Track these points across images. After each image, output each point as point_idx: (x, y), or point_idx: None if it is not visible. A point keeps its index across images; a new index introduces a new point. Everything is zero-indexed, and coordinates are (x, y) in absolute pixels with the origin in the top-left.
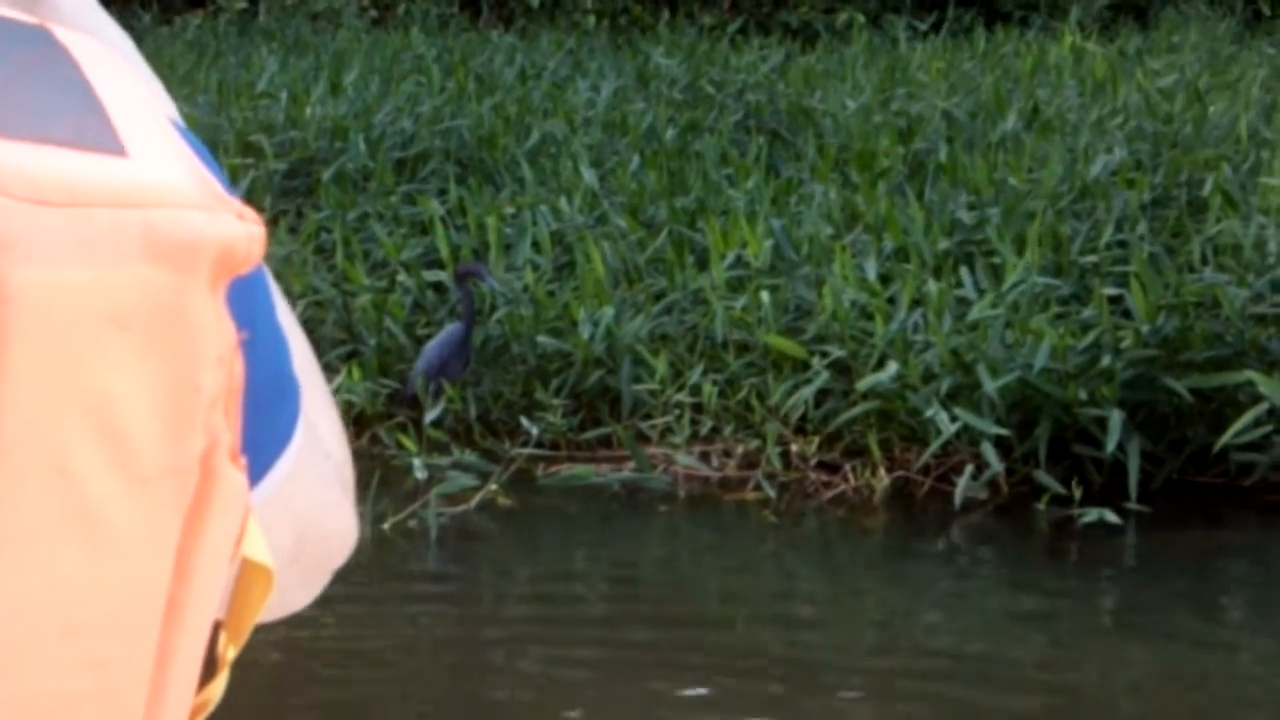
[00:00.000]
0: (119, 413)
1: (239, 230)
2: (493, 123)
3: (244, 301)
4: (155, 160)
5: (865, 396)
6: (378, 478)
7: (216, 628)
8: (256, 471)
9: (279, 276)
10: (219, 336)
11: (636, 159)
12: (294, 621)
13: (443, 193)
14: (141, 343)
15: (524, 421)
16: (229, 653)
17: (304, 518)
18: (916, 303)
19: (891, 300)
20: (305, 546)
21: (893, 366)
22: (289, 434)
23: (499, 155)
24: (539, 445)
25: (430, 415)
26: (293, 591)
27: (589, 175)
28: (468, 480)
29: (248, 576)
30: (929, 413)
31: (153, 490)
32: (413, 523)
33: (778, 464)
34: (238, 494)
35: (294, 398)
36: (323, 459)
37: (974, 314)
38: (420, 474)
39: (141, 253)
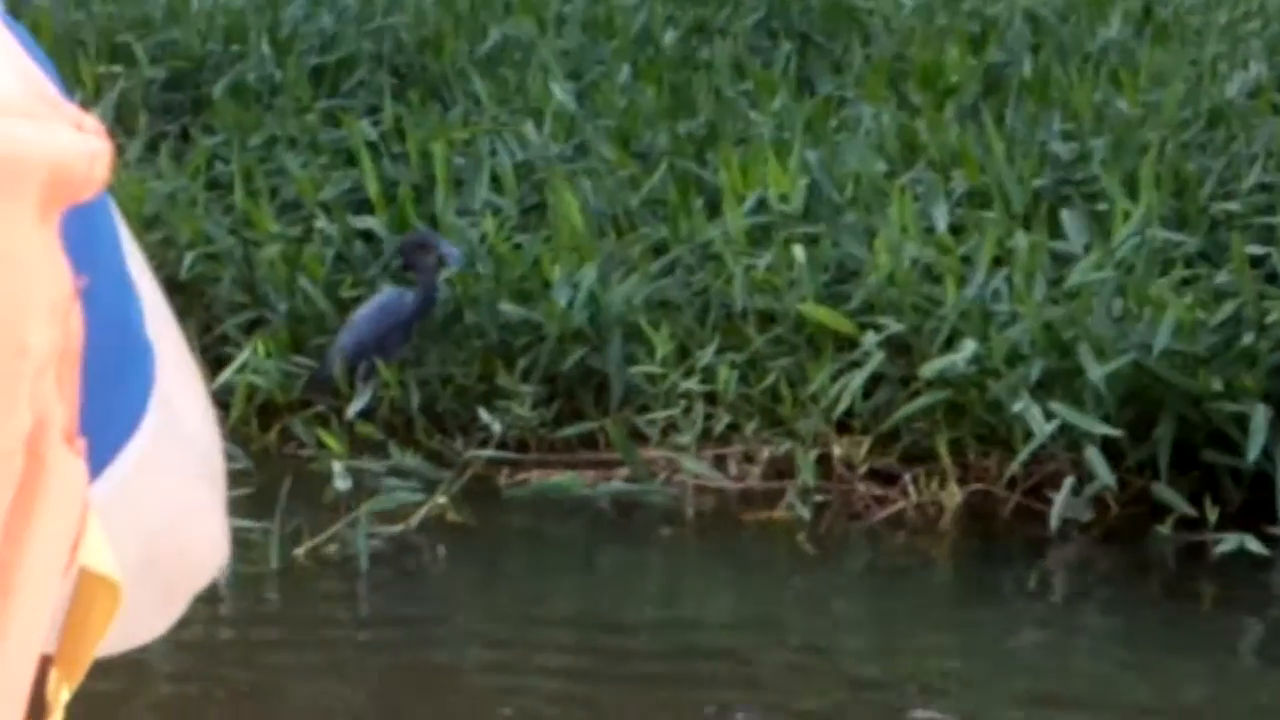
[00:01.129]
0: None
1: (77, 145)
2: (438, 20)
3: (82, 239)
4: None
5: (931, 385)
6: (288, 486)
7: (45, 662)
8: (96, 461)
9: (159, 221)
10: (50, 282)
11: (626, 70)
12: (180, 676)
13: (373, 111)
14: None
15: (482, 414)
16: (62, 693)
17: (158, 520)
18: (998, 261)
19: (965, 259)
20: (160, 558)
21: (968, 346)
22: (138, 412)
23: (446, 63)
24: (502, 445)
25: (356, 404)
26: (144, 616)
27: (563, 92)
28: (408, 493)
29: (87, 593)
30: (1017, 407)
31: None
32: (334, 547)
33: (814, 474)
34: (73, 486)
35: (145, 365)
36: (183, 445)
37: (1075, 278)
38: (343, 483)
39: None
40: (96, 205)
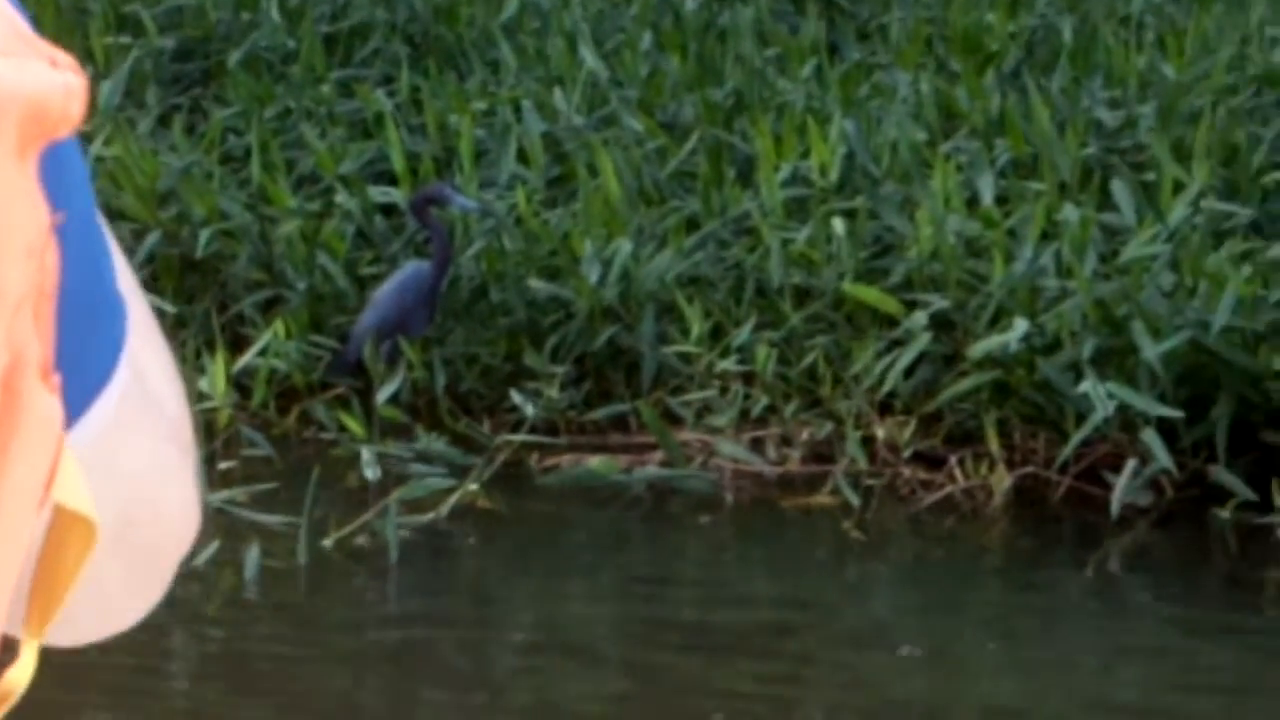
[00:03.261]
0: None
1: (53, 80)
2: None
3: (55, 179)
4: None
5: (978, 365)
6: (316, 475)
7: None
8: (71, 409)
9: (174, 196)
10: (29, 219)
11: (648, 38)
12: (207, 676)
13: (388, 81)
14: None
15: (514, 395)
16: (34, 635)
17: (133, 481)
18: (1044, 235)
19: (1011, 233)
20: (136, 521)
21: (1020, 324)
22: (110, 365)
23: (463, 30)
24: (531, 428)
25: (385, 389)
26: (123, 591)
27: (592, 58)
28: (438, 480)
29: (60, 533)
30: (1083, 387)
31: None
32: (362, 538)
33: (862, 457)
34: (49, 422)
35: (117, 318)
36: (153, 408)
37: (1129, 252)
38: (372, 472)
39: None
40: (67, 145)
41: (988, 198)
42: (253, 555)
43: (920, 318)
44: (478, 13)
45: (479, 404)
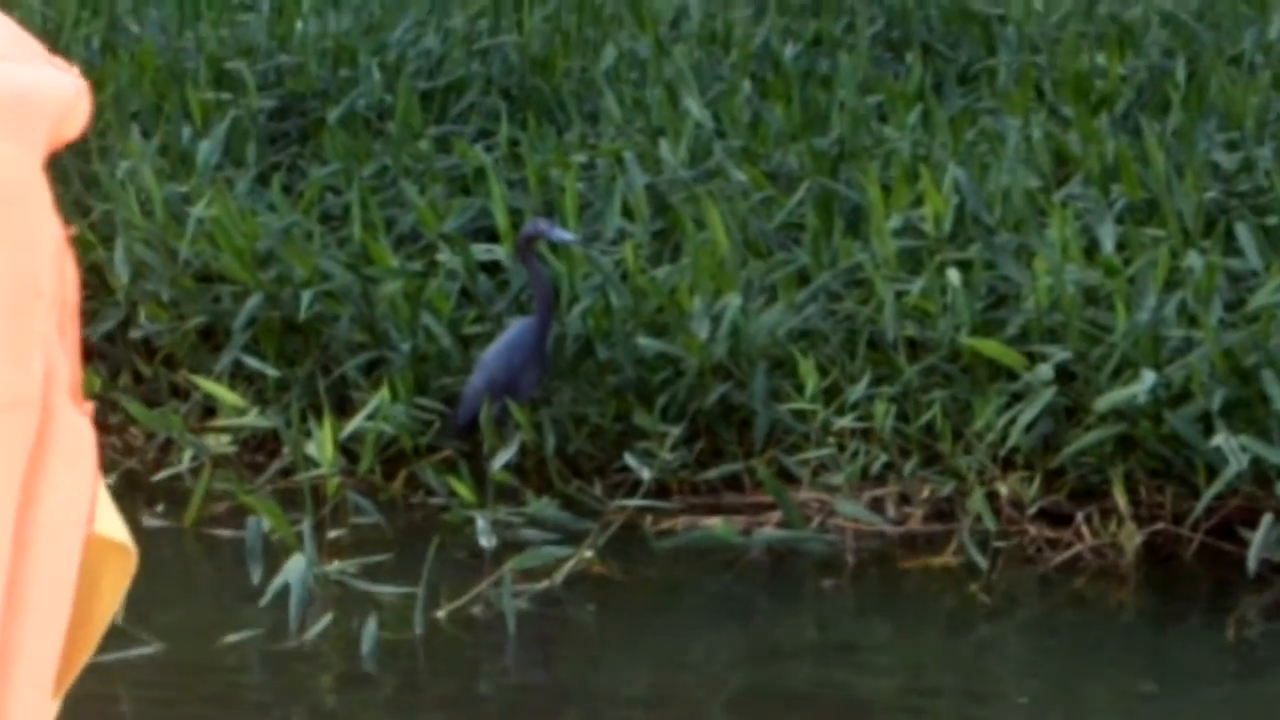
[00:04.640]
0: None
1: (65, 84)
2: (548, 38)
3: None
4: None
5: (1103, 418)
6: (434, 545)
7: None
8: None
9: (275, 256)
10: (52, 227)
11: (747, 85)
12: None
13: (485, 135)
14: None
15: (629, 459)
16: (60, 691)
17: None
18: (1168, 283)
19: (1130, 281)
20: None
21: (1148, 376)
22: None
23: (560, 82)
24: (644, 491)
25: (502, 456)
26: None
27: (697, 108)
28: (553, 549)
29: (94, 563)
30: (1216, 440)
31: None
32: (477, 608)
33: (989, 515)
34: (85, 445)
35: None
36: None
37: (1259, 299)
38: (487, 540)
39: None
40: None
41: (1109, 245)
42: (370, 629)
43: (1046, 371)
44: (574, 64)
45: (588, 465)
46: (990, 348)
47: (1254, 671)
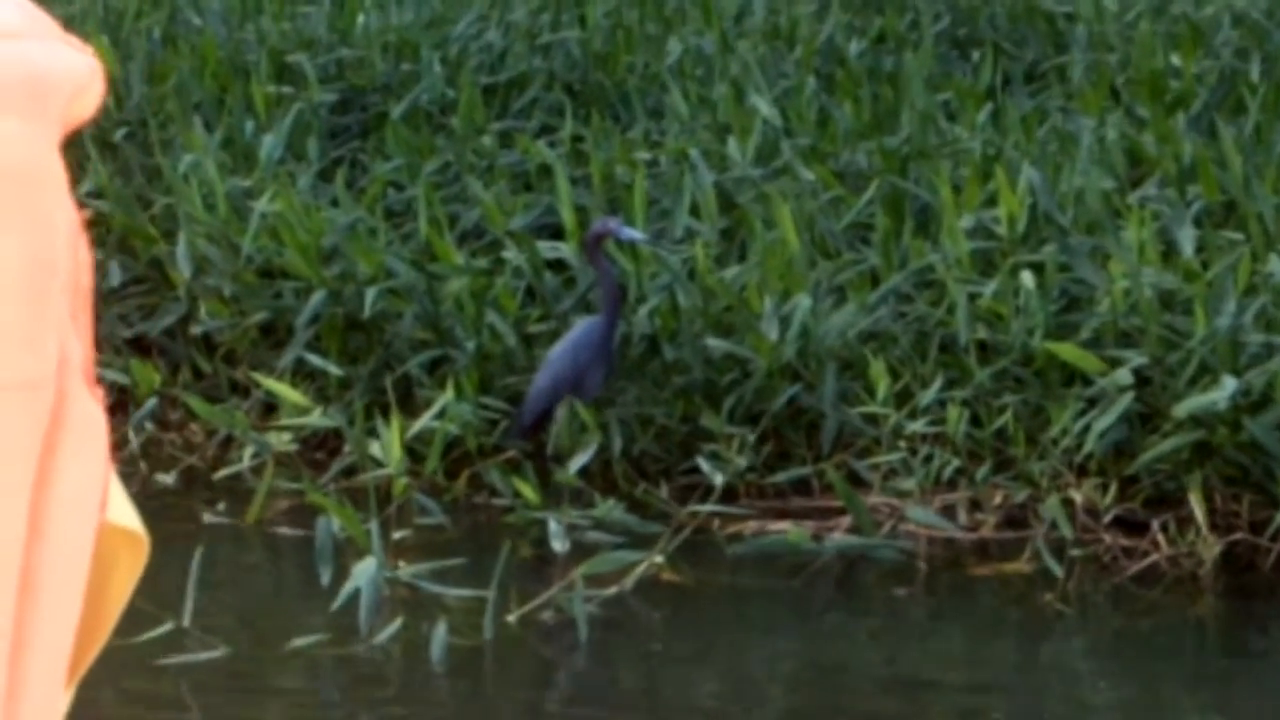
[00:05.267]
0: None
1: (80, 63)
2: (610, 33)
3: None
4: None
5: (1180, 424)
6: (506, 550)
7: None
8: None
9: (338, 252)
10: (67, 208)
11: (812, 83)
12: None
13: (546, 130)
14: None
15: (701, 464)
16: (71, 681)
17: None
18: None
19: (1209, 284)
20: None
21: (1229, 383)
22: None
23: (624, 77)
24: (708, 489)
25: (577, 461)
26: None
27: (766, 106)
28: (624, 555)
29: (106, 552)
30: None
31: (3, 405)
32: (547, 613)
33: (1065, 523)
34: (98, 430)
35: None
36: None
37: None
38: (560, 544)
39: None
40: None
41: (1188, 249)
42: (440, 633)
43: (1124, 375)
44: (638, 60)
45: (654, 467)
46: (1068, 352)
47: None
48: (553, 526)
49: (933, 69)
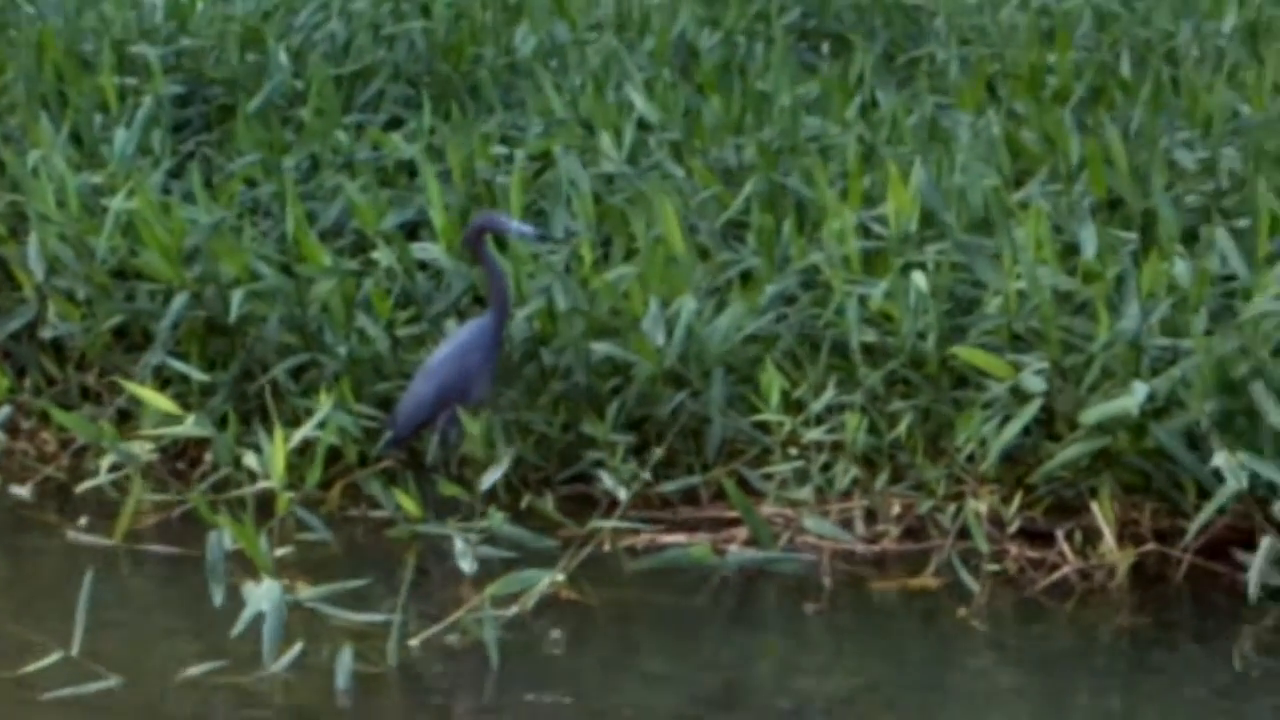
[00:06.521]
0: None
1: None
2: (452, 24)
3: None
4: None
5: (1084, 431)
6: (410, 574)
7: None
8: None
9: (199, 253)
10: None
11: (666, 74)
12: None
13: (394, 124)
14: None
15: (605, 478)
16: None
17: None
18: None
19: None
20: None
21: (1140, 388)
22: None
23: (469, 70)
24: (593, 500)
25: (490, 476)
26: None
27: (641, 101)
28: (532, 573)
29: None
30: (1217, 460)
31: None
32: (452, 637)
33: (980, 536)
34: None
35: None
36: None
37: (1254, 307)
38: (468, 564)
39: None
40: None
41: (1089, 249)
42: (345, 660)
43: (1035, 381)
44: (485, 51)
45: (534, 475)
46: (977, 356)
47: (1257, 701)
48: (459, 545)
49: (790, 62)
